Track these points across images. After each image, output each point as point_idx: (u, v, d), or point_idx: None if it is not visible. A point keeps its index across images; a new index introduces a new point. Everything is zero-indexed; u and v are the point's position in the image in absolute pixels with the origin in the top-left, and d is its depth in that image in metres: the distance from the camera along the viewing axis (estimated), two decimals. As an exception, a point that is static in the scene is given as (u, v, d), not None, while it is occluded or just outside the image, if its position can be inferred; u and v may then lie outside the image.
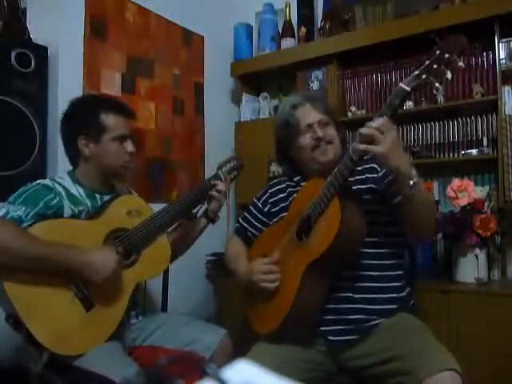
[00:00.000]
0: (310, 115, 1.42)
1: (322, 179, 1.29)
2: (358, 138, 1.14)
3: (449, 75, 1.09)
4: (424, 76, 1.10)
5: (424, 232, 1.32)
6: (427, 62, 1.10)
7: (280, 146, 1.52)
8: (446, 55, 1.08)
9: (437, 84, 1.11)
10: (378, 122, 1.11)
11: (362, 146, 1.12)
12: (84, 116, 1.43)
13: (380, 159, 1.13)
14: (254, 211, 1.58)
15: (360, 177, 1.39)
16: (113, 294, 1.35)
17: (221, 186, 1.59)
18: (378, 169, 1.37)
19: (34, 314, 1.23)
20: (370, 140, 1.11)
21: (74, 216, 1.38)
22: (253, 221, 1.57)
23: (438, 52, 1.09)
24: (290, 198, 1.45)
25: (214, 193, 1.59)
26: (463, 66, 1.11)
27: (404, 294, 1.35)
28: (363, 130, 1.12)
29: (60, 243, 1.27)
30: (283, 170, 1.64)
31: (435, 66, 1.09)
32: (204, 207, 1.65)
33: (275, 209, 1.51)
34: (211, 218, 1.64)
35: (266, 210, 1.55)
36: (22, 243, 1.21)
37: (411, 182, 1.12)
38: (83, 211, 1.40)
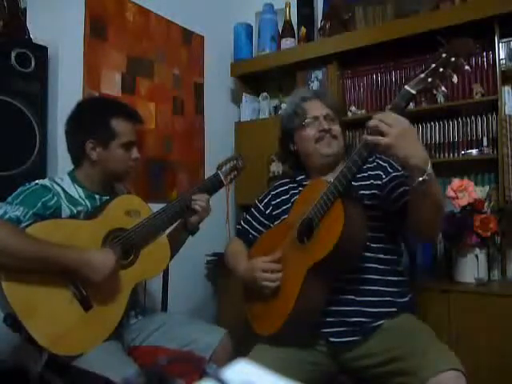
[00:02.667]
0: (317, 108, 1.44)
1: (325, 180, 1.29)
2: (366, 132, 1.13)
3: (455, 79, 1.08)
4: (430, 79, 1.09)
5: (426, 232, 1.29)
6: (433, 66, 1.09)
7: (284, 137, 1.52)
8: (453, 59, 1.07)
9: (443, 87, 1.09)
10: (384, 114, 1.10)
11: (370, 137, 1.11)
12: (95, 119, 1.43)
13: (387, 150, 1.09)
14: (256, 213, 1.58)
15: (365, 182, 1.39)
16: (111, 294, 1.35)
17: (200, 201, 1.53)
18: (383, 175, 1.37)
19: (33, 314, 1.23)
20: (377, 132, 1.09)
21: (72, 216, 1.37)
22: (254, 223, 1.57)
23: (444, 55, 1.08)
24: (292, 200, 1.45)
25: (195, 206, 1.52)
26: (470, 69, 1.09)
27: (406, 299, 1.35)
28: (369, 123, 1.10)
29: (58, 243, 1.26)
30: (284, 168, 1.63)
31: (441, 70, 1.08)
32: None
33: (277, 211, 1.51)
34: (190, 230, 1.58)
35: (267, 212, 1.55)
36: (20, 243, 1.20)
37: (420, 178, 1.07)
38: (82, 211, 1.40)
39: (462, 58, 1.07)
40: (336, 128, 1.43)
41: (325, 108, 1.44)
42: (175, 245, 1.61)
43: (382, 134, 1.08)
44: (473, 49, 1.08)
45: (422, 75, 1.10)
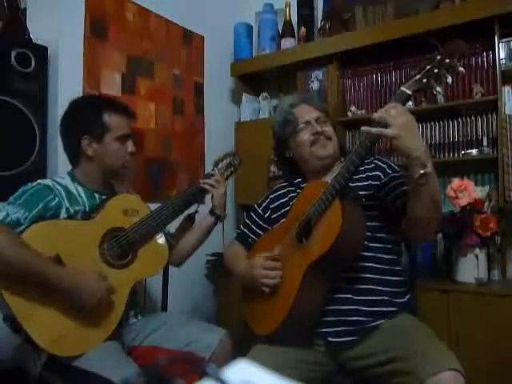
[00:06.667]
0: (307, 113, 1.45)
1: (323, 181, 1.30)
2: (371, 125, 1.13)
3: (449, 79, 1.11)
4: (425, 80, 1.12)
5: (423, 231, 1.27)
6: (428, 67, 1.12)
7: (279, 145, 1.53)
8: (447, 60, 1.10)
9: (438, 88, 1.12)
10: (388, 106, 1.11)
11: (374, 129, 1.12)
12: (87, 116, 1.43)
13: (392, 142, 1.10)
14: (255, 217, 1.58)
15: (363, 183, 1.39)
16: (110, 294, 1.35)
17: (210, 180, 1.60)
18: (382, 176, 1.37)
19: (32, 315, 1.23)
20: (382, 124, 1.10)
21: (70, 216, 1.37)
22: (253, 227, 1.57)
23: (438, 57, 1.11)
24: (291, 203, 1.45)
25: (206, 186, 1.59)
26: (463, 70, 1.12)
27: (405, 299, 1.35)
28: (374, 115, 1.12)
29: (54, 263, 1.25)
30: (283, 172, 1.64)
31: (436, 71, 1.11)
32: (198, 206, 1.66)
33: (276, 214, 1.51)
34: (216, 215, 1.62)
35: (266, 216, 1.55)
36: (16, 254, 1.19)
37: (422, 171, 1.08)
38: (79, 211, 1.40)
39: (455, 60, 1.10)
40: (329, 129, 1.44)
41: (314, 111, 1.46)
42: (188, 237, 1.64)
43: (386, 126, 1.09)
44: (465, 50, 1.12)
45: (418, 76, 1.13)
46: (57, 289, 1.24)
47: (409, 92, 1.13)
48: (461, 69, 1.11)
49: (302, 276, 1.25)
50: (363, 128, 1.15)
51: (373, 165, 1.42)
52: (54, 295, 1.26)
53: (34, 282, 1.22)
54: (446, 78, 1.11)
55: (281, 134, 1.49)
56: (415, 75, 1.14)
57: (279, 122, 1.50)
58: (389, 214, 1.32)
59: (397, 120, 1.08)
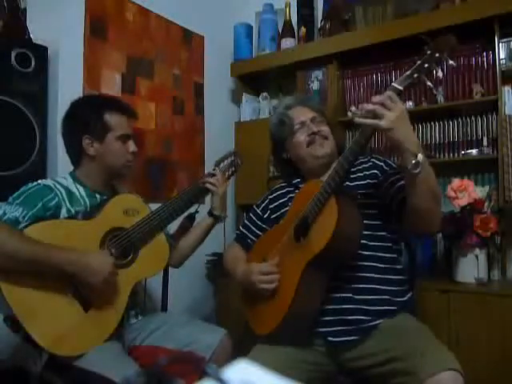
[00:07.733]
0: (303, 113, 1.46)
1: (319, 180, 1.31)
2: (363, 114, 1.13)
3: (440, 73, 1.12)
4: (416, 75, 1.13)
5: (426, 223, 1.25)
6: (418, 62, 1.13)
7: (276, 147, 1.53)
8: (437, 54, 1.11)
9: (428, 82, 1.13)
10: (381, 96, 1.11)
11: (369, 121, 1.11)
12: (89, 115, 1.43)
13: (386, 133, 1.10)
14: (254, 218, 1.59)
15: (361, 182, 1.39)
16: (111, 293, 1.35)
17: (212, 179, 1.61)
18: (379, 174, 1.38)
19: (32, 316, 1.23)
20: (374, 115, 1.10)
21: (70, 217, 1.37)
22: (253, 228, 1.58)
23: (428, 52, 1.12)
24: (290, 204, 1.45)
25: (207, 185, 1.60)
26: (454, 64, 1.13)
27: (405, 298, 1.35)
28: (367, 106, 1.11)
29: (56, 245, 1.25)
30: (281, 174, 1.64)
31: (426, 65, 1.12)
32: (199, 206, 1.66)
33: (275, 215, 1.51)
34: (215, 216, 1.63)
35: (265, 216, 1.55)
36: (17, 245, 1.20)
37: (413, 161, 1.08)
38: (80, 211, 1.40)
39: (445, 54, 1.10)
40: (325, 129, 1.44)
41: (310, 112, 1.46)
42: (195, 233, 1.65)
43: (378, 117, 1.09)
44: (455, 45, 1.12)
45: (409, 72, 1.14)
46: (65, 273, 1.23)
47: (400, 87, 1.13)
48: (451, 62, 1.11)
49: (300, 274, 1.25)
50: (356, 119, 1.14)
51: (370, 163, 1.43)
52: (56, 293, 1.26)
53: (38, 270, 1.22)
54: (437, 72, 1.11)
55: (277, 136, 1.50)
56: (406, 71, 1.15)
57: (275, 124, 1.50)
58: (390, 211, 1.32)
59: (392, 112, 1.08)
